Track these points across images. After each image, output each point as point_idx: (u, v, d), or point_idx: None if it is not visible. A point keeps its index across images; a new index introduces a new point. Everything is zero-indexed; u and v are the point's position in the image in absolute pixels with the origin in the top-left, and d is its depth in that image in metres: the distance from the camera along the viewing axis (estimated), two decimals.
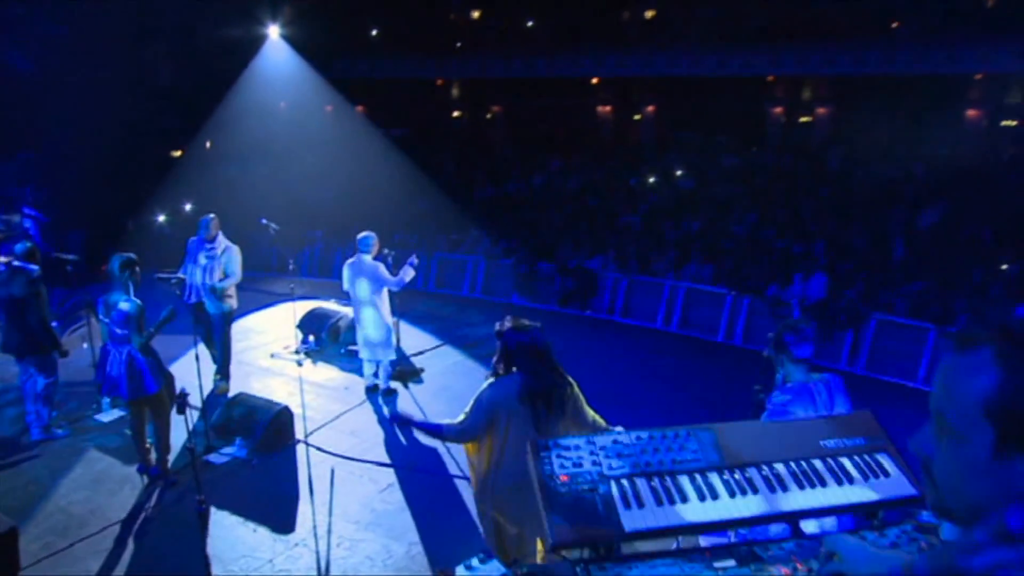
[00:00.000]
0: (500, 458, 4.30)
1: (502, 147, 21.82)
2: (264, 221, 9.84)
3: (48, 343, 7.54)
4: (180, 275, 7.89)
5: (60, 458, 7.25)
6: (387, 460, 7.14)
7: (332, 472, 6.92)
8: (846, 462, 2.43)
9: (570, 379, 4.41)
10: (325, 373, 9.36)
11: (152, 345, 6.53)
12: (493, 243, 13.79)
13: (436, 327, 11.08)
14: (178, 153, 18.47)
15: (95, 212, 14.48)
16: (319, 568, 5.58)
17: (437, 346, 10.27)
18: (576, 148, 20.10)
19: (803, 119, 20.04)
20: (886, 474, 2.40)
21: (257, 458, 7.11)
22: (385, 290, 8.33)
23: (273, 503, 6.42)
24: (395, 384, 8.78)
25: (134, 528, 6.10)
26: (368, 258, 8.26)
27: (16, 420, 7.96)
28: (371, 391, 8.63)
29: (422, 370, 9.34)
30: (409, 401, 8.45)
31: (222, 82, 17.59)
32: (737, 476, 2.33)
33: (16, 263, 7.56)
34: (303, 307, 10.81)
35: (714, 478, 2.33)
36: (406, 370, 9.23)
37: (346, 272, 8.36)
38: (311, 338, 10.09)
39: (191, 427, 5.24)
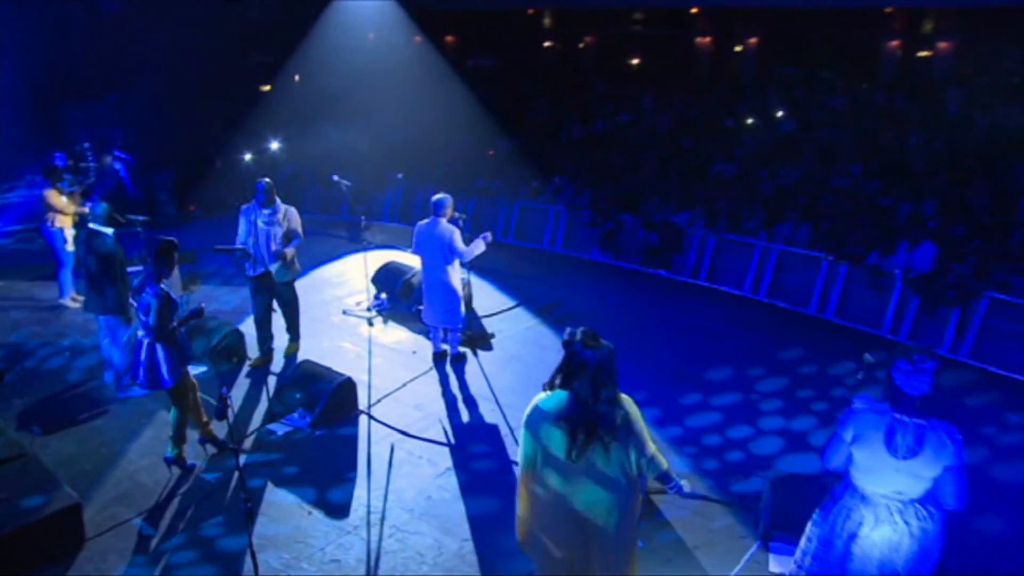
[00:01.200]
0: (537, 485, 3.97)
1: (594, 81, 20.83)
2: (336, 178, 9.57)
3: (117, 304, 7.56)
4: (240, 246, 7.68)
5: (132, 419, 7.32)
6: (448, 440, 6.90)
7: (391, 449, 6.75)
8: None
9: (627, 407, 3.94)
10: (395, 334, 9.16)
11: (180, 337, 6.32)
12: (577, 192, 13.18)
13: (511, 284, 10.70)
14: (267, 88, 18.38)
15: (184, 151, 14.57)
16: (368, 562, 5.43)
17: (511, 307, 9.90)
18: (671, 83, 19.00)
19: (922, 53, 18.27)
20: None
21: (318, 430, 7.00)
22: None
23: (330, 482, 6.30)
24: (464, 349, 8.50)
25: (194, 503, 6.08)
26: (443, 221, 7.90)
27: (97, 376, 8.10)
28: (438, 357, 8.38)
29: (492, 335, 9.01)
30: (476, 371, 8.15)
31: (311, 14, 17.28)
32: None
33: (92, 226, 7.56)
34: (379, 258, 10.65)
35: None
36: (476, 335, 8.92)
37: (417, 234, 8.02)
38: (383, 295, 9.89)
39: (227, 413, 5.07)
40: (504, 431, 6.98)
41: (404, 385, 7.88)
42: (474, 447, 6.76)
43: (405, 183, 14.98)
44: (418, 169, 15.16)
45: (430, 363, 8.34)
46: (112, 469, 6.55)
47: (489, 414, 7.31)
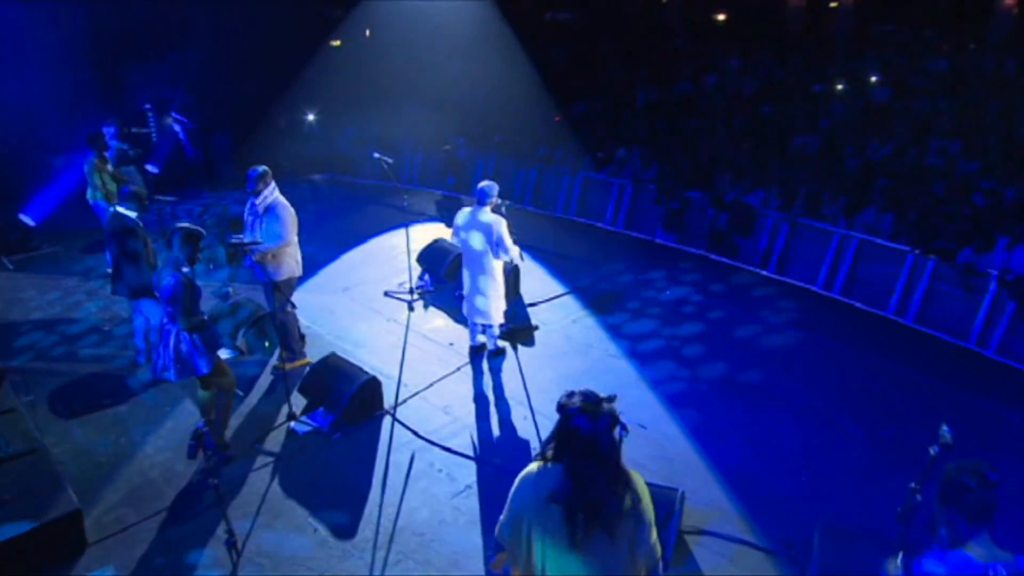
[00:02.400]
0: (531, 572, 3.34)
1: (675, 38, 19.54)
2: (376, 155, 8.99)
3: (146, 286, 7.26)
4: (252, 239, 7.16)
5: (156, 407, 7.07)
6: (472, 452, 6.37)
7: (411, 459, 6.27)
8: None
9: (636, 487, 3.27)
10: (434, 321, 8.65)
11: (207, 322, 5.98)
12: (643, 165, 12.28)
13: (564, 269, 10.02)
14: (337, 43, 17.87)
15: (246, 111, 14.24)
16: None
17: (560, 295, 9.24)
18: (758, 42, 17.57)
19: None
20: None
21: (339, 431, 6.59)
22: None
23: (342, 494, 5.89)
24: (503, 344, 7.93)
25: (198, 511, 5.74)
26: (487, 210, 7.26)
27: (131, 357, 7.89)
28: (476, 351, 7.84)
29: (536, 327, 8.40)
30: (513, 370, 7.57)
31: None
32: None
33: (119, 208, 7.24)
34: (428, 235, 10.16)
35: None
36: (518, 327, 8.32)
37: (459, 222, 7.41)
38: (427, 277, 9.38)
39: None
40: (534, 445, 6.41)
41: (436, 382, 7.38)
42: (499, 462, 6.21)
43: (466, 148, 14.31)
44: (480, 133, 14.46)
45: (466, 357, 7.82)
46: (126, 464, 6.30)
47: (521, 423, 6.74)
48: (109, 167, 9.48)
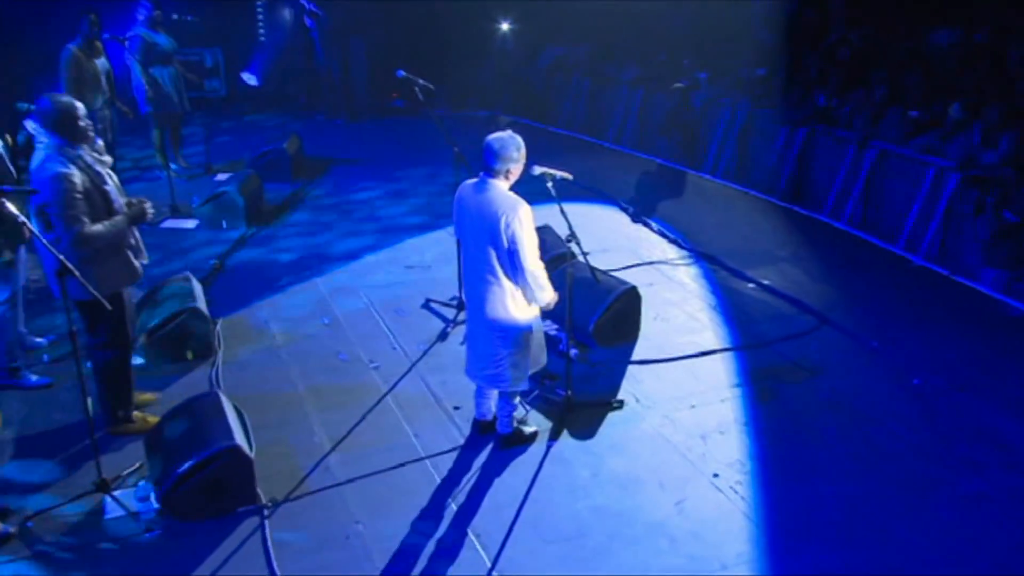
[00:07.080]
0: None
1: None
2: (402, 73, 7.49)
3: None
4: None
5: None
6: None
7: None
8: None
9: None
10: (458, 370, 6.77)
11: None
12: (986, 138, 9.07)
13: (751, 309, 7.82)
14: None
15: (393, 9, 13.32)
16: None
17: (700, 353, 6.97)
18: None
19: None
20: None
21: (159, 527, 5.14)
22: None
23: None
24: (530, 427, 5.98)
25: None
26: (497, 184, 5.32)
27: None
28: (484, 429, 5.98)
29: (619, 405, 6.23)
30: (519, 479, 5.48)
31: None
32: None
33: None
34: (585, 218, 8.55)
35: None
36: (588, 399, 6.21)
37: (458, 203, 5.59)
38: None
39: None
40: None
41: (374, 474, 5.60)
42: None
43: (708, 89, 12.10)
44: (731, 67, 12.22)
45: (463, 436, 5.99)
46: None
47: None
48: (100, 62, 8.97)
